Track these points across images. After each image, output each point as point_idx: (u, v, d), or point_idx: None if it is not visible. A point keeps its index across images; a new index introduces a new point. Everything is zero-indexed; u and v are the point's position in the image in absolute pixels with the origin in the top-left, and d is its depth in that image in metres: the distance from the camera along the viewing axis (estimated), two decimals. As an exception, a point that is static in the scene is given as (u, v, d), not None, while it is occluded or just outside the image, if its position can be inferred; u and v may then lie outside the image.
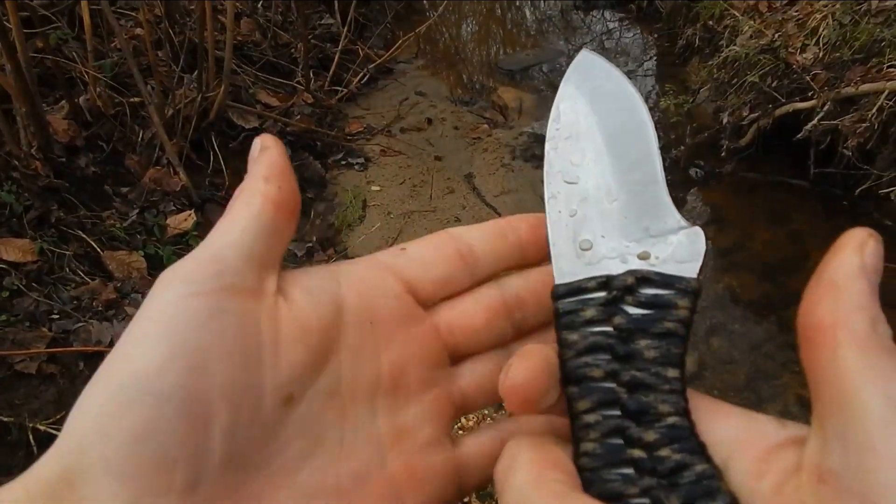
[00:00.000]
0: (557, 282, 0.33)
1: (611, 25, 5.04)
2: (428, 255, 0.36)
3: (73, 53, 2.78)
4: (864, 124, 2.62)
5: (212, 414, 0.27)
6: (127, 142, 2.82)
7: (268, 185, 0.33)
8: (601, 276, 0.32)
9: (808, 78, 2.88)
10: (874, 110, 2.59)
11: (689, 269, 0.32)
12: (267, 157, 0.35)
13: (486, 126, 3.90)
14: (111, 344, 2.17)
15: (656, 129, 0.39)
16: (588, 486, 0.29)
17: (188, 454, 0.26)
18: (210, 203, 2.89)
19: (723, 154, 3.26)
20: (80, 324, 2.19)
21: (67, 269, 2.33)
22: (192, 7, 3.23)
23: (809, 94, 2.88)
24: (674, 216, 0.34)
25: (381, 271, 0.35)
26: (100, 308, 2.26)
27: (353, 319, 0.33)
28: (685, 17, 4.18)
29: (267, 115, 3.32)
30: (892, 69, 2.64)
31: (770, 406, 2.27)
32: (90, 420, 0.26)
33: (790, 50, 3.01)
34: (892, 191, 2.59)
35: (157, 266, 2.54)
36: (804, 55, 2.97)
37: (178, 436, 0.26)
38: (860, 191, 2.75)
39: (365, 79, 4.16)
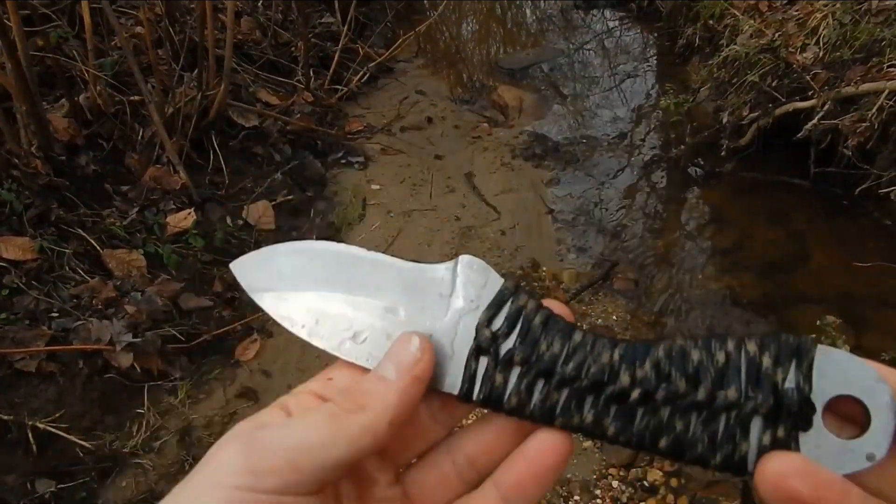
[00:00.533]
0: (458, 393, 0.37)
1: (611, 24, 5.04)
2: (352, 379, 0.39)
3: (74, 52, 2.78)
4: (864, 124, 2.62)
5: None
6: (127, 140, 2.82)
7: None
8: (471, 353, 0.36)
9: (808, 77, 2.88)
10: (874, 110, 2.59)
11: (494, 281, 0.37)
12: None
13: (486, 125, 3.90)
14: (111, 342, 2.18)
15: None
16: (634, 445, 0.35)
17: None
18: (210, 202, 2.89)
19: (723, 153, 3.26)
20: (80, 322, 2.19)
21: (67, 268, 2.33)
22: (193, 6, 3.23)
23: (809, 93, 2.88)
24: (439, 270, 0.38)
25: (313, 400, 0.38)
26: (99, 306, 2.26)
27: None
28: (685, 16, 4.18)
29: (267, 113, 3.31)
30: (892, 69, 2.63)
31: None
32: None
33: (790, 49, 3.01)
34: (892, 190, 2.59)
35: (156, 264, 2.54)
36: (804, 55, 2.97)
37: None
38: (860, 190, 2.75)
39: (365, 78, 4.16)
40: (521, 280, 2.79)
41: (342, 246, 0.40)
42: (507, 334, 0.36)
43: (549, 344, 0.35)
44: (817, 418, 0.31)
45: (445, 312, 0.37)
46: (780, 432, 0.32)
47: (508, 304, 0.36)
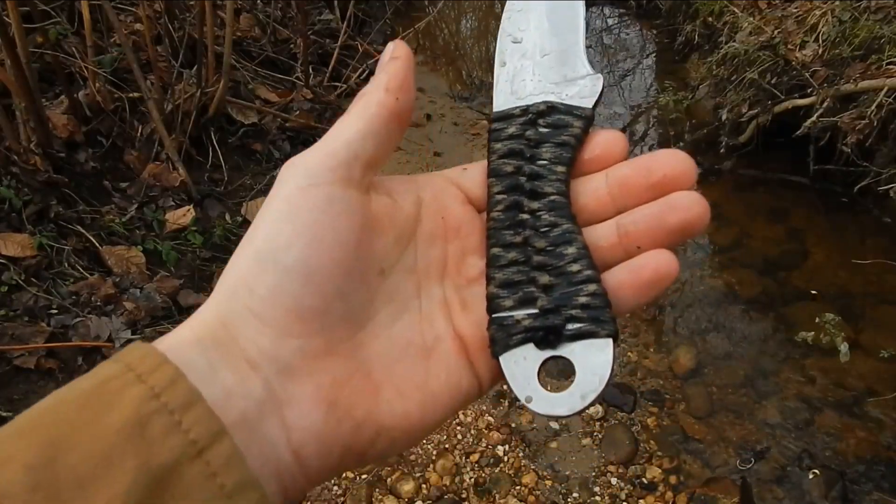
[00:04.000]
0: (494, 111, 0.44)
1: (610, 21, 5.03)
2: (482, 175, 0.43)
3: (73, 49, 2.77)
4: (863, 121, 2.62)
5: (328, 280, 0.34)
6: (126, 137, 2.82)
7: (387, 95, 0.38)
8: (524, 105, 0.43)
9: (807, 74, 2.88)
10: (873, 107, 2.59)
11: (587, 102, 0.43)
12: (392, 67, 0.39)
13: (485, 122, 3.90)
14: (110, 339, 2.18)
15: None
16: (489, 239, 0.40)
17: (316, 308, 0.34)
18: (209, 198, 2.89)
19: (722, 151, 3.26)
20: (79, 319, 2.19)
21: (66, 264, 2.33)
22: (192, 3, 3.22)
23: (809, 90, 2.88)
24: (585, 66, 0.44)
25: (448, 183, 0.43)
26: (98, 303, 2.27)
27: (429, 214, 0.41)
28: (684, 13, 4.17)
29: (266, 110, 3.31)
30: (891, 66, 2.64)
31: (769, 402, 2.28)
32: (237, 277, 0.34)
33: (789, 46, 3.01)
34: (891, 188, 2.59)
35: (155, 261, 2.54)
36: (803, 52, 2.97)
37: (306, 295, 0.34)
38: (859, 188, 2.75)
39: (364, 75, 4.15)
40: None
41: (582, 10, 0.46)
42: (546, 125, 0.42)
43: (542, 157, 0.41)
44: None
45: (555, 82, 0.44)
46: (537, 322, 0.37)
47: (570, 115, 0.42)
